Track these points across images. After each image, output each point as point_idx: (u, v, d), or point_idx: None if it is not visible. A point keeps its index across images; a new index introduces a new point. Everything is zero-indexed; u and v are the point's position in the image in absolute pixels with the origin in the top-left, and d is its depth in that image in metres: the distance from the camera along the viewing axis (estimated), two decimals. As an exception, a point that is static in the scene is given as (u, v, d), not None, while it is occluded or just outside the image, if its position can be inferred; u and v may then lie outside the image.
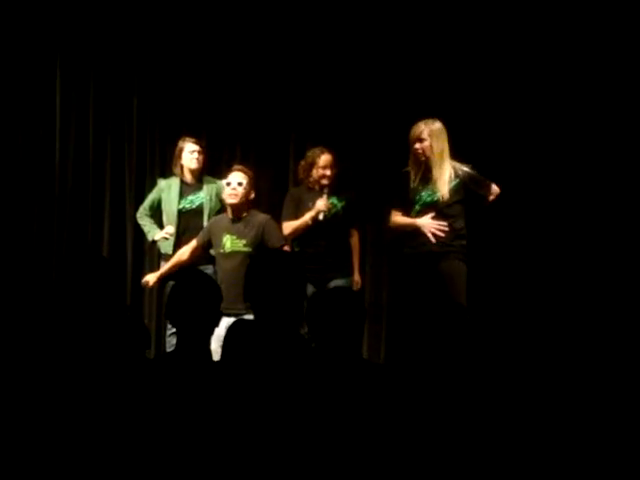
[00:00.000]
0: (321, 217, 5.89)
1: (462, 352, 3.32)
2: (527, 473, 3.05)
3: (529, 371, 4.15)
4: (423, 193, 5.44)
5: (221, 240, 5.72)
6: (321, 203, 5.88)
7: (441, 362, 3.27)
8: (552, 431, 3.23)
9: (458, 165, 5.43)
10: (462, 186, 5.42)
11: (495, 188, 5.51)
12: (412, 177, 5.47)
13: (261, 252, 5.37)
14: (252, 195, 5.83)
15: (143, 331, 3.44)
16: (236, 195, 5.74)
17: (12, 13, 6.79)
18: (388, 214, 5.60)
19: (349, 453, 2.91)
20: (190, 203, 6.22)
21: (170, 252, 6.09)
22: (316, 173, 5.95)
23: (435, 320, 4.53)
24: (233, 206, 5.75)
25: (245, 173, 5.81)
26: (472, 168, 5.47)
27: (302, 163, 6.07)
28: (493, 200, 5.52)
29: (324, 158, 5.97)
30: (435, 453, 2.97)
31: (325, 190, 5.94)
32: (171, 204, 6.22)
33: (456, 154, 5.47)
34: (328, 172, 5.95)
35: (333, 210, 5.97)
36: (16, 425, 3.00)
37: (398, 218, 5.54)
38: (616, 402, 3.61)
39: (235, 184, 5.75)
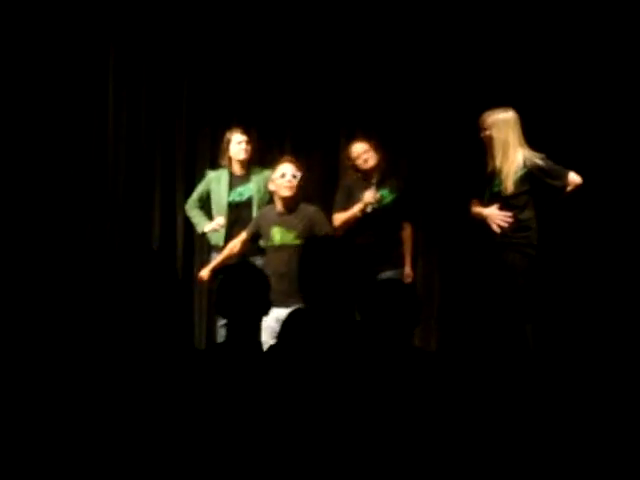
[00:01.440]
0: (369, 209, 5.88)
1: (513, 347, 3.29)
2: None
3: (582, 368, 4.10)
4: (493, 182, 5.38)
5: (270, 232, 5.71)
6: (369, 195, 5.88)
7: (491, 354, 3.24)
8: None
9: (529, 155, 5.30)
10: (529, 177, 5.30)
11: (575, 179, 5.31)
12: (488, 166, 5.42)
13: (313, 240, 5.34)
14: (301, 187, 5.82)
15: (189, 323, 3.45)
16: (292, 187, 5.71)
17: (65, 9, 6.85)
18: (470, 203, 5.51)
19: (399, 440, 2.89)
20: (240, 195, 6.22)
21: (221, 244, 6.11)
22: (357, 163, 5.96)
23: (489, 313, 4.52)
24: (288, 198, 5.72)
25: (297, 164, 5.79)
26: (545, 158, 5.32)
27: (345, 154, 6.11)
28: (572, 191, 5.32)
29: (355, 147, 6.01)
30: (483, 441, 2.94)
31: (373, 182, 5.93)
32: (220, 197, 6.24)
33: (533, 143, 5.35)
34: (363, 160, 5.94)
35: (383, 202, 5.95)
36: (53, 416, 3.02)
37: (474, 207, 5.47)
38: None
39: (290, 176, 5.72)
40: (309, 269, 3.35)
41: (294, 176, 5.72)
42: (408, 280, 5.93)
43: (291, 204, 5.72)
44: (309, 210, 5.75)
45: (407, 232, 6.09)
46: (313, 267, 3.32)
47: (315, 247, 3.45)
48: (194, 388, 3.09)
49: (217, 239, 6.20)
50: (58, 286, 5.90)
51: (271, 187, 5.83)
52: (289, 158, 5.89)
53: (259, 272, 3.58)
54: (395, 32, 6.75)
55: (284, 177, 5.72)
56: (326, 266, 3.29)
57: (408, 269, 6.03)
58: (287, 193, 5.71)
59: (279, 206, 5.76)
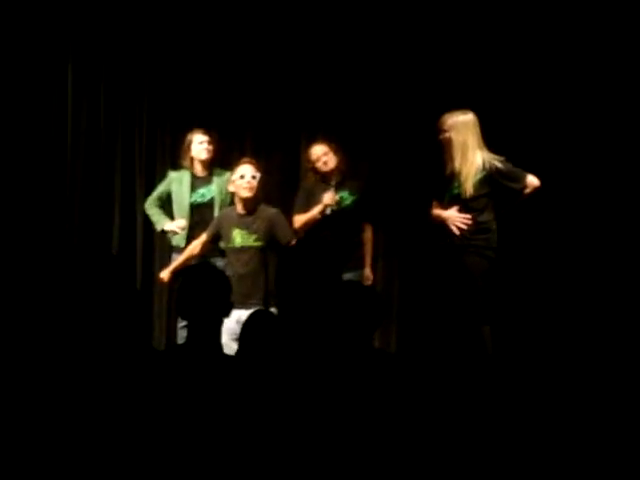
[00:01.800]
0: (329, 211, 5.89)
1: (473, 347, 3.32)
2: (532, 468, 3.04)
3: (543, 370, 4.13)
4: (452, 185, 5.40)
5: (231, 234, 5.71)
6: (328, 197, 5.89)
7: (452, 355, 3.26)
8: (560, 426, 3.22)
9: (488, 157, 5.30)
10: (488, 179, 5.30)
11: (533, 181, 5.32)
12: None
13: (288, 249, 5.34)
14: (260, 189, 5.80)
15: (147, 323, 3.44)
16: (252, 188, 5.71)
17: (23, 12, 6.79)
18: (430, 204, 5.50)
19: (359, 442, 2.90)
20: (202, 197, 6.21)
21: (182, 245, 6.10)
22: (317, 165, 5.97)
23: (447, 315, 4.54)
24: (247, 199, 5.72)
25: (256, 166, 5.80)
26: (504, 161, 5.33)
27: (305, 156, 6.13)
28: (530, 193, 5.34)
29: (315, 149, 6.03)
30: (442, 443, 2.96)
31: (332, 184, 5.95)
32: (182, 197, 6.22)
33: (492, 146, 5.37)
34: (323, 163, 5.96)
35: (342, 204, 5.96)
36: (19, 421, 3.00)
37: (434, 209, 5.48)
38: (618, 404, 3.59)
39: (249, 177, 5.72)
40: (285, 277, 3.36)
41: (253, 177, 5.72)
42: (368, 282, 5.94)
43: (251, 205, 5.72)
44: (269, 212, 5.75)
45: (367, 234, 6.11)
46: (278, 269, 3.34)
47: (280, 250, 3.47)
48: (152, 389, 3.08)
49: (178, 240, 6.19)
50: (16, 287, 5.85)
51: (231, 188, 5.83)
52: (248, 159, 5.90)
53: (220, 273, 3.58)
54: (354, 35, 6.77)
55: (243, 178, 5.72)
56: (288, 269, 3.31)
57: (368, 271, 6.04)
58: (246, 194, 5.71)
59: (239, 208, 5.76)
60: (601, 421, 3.36)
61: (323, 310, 3.25)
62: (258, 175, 5.74)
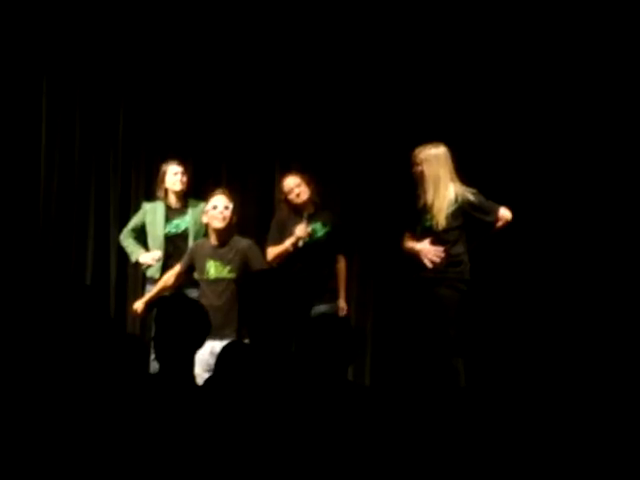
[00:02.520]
0: (301, 243, 5.89)
1: (446, 380, 3.32)
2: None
3: (516, 400, 4.14)
4: (424, 217, 5.41)
5: (205, 266, 5.69)
6: (300, 229, 5.89)
7: (425, 387, 3.26)
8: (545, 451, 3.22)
9: (461, 190, 5.35)
10: (461, 212, 5.34)
11: (505, 214, 5.37)
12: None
13: (249, 274, 5.33)
14: (234, 220, 5.80)
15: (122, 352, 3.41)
16: (224, 218, 5.70)
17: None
18: (402, 236, 5.52)
19: (334, 474, 2.89)
20: (176, 227, 6.21)
21: (157, 276, 6.08)
22: (289, 197, 5.98)
23: (420, 347, 4.54)
24: (220, 230, 5.71)
25: (229, 197, 5.79)
26: (477, 194, 5.37)
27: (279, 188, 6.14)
28: (503, 226, 5.39)
29: (287, 181, 6.03)
30: (419, 475, 2.96)
31: (305, 215, 5.95)
32: (156, 229, 6.21)
33: (466, 178, 5.41)
34: (295, 195, 5.96)
35: (315, 236, 5.96)
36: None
37: (406, 241, 5.50)
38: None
39: (222, 207, 5.72)
40: (246, 302, 3.35)
41: (226, 207, 5.71)
42: (342, 313, 5.93)
43: (224, 236, 5.71)
44: (243, 243, 5.73)
45: (341, 265, 6.09)
46: (249, 301, 3.33)
47: (251, 281, 3.45)
48: (125, 418, 3.06)
49: (152, 272, 6.17)
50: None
51: (204, 219, 5.82)
52: (221, 190, 5.89)
53: (195, 304, 3.57)
54: (329, 66, 6.81)
55: (216, 209, 5.71)
56: (261, 300, 3.30)
57: (342, 302, 6.03)
58: (219, 225, 5.70)
59: (213, 239, 5.75)
60: (578, 457, 3.38)
61: (296, 343, 3.25)
62: (231, 205, 5.74)
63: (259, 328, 3.26)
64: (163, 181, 6.24)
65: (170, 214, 6.22)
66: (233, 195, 5.84)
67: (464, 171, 5.45)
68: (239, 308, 3.44)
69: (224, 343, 3.64)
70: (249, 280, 3.51)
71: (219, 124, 6.97)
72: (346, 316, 5.96)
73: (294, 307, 3.33)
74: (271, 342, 3.22)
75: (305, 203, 6.01)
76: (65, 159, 6.96)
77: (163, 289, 5.85)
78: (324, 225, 6.04)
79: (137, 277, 6.64)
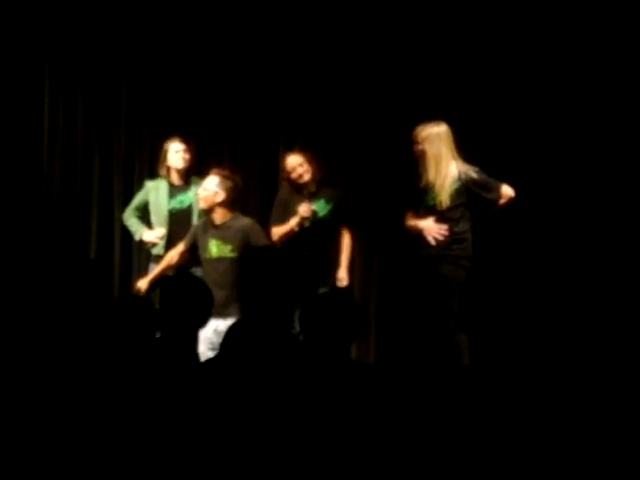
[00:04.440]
0: (307, 224, 5.85)
1: (449, 357, 3.32)
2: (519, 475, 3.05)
3: (525, 376, 4.14)
4: (427, 196, 5.40)
5: (207, 245, 5.69)
6: (303, 209, 5.85)
7: (429, 365, 3.26)
8: (544, 434, 3.22)
9: (463, 168, 5.33)
10: (464, 190, 5.33)
11: (507, 192, 5.36)
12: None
13: (251, 252, 5.33)
14: (221, 198, 5.74)
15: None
16: (205, 199, 5.72)
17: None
18: (405, 215, 5.50)
19: (338, 453, 2.89)
20: (180, 203, 6.20)
21: (161, 253, 6.07)
22: (292, 176, 5.94)
23: (424, 325, 4.53)
24: (205, 211, 5.74)
25: (219, 176, 5.76)
26: (479, 171, 5.36)
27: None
28: (505, 204, 5.38)
29: (290, 159, 5.97)
30: (424, 454, 2.96)
31: (307, 194, 5.91)
32: (160, 205, 6.20)
33: (468, 156, 5.39)
34: (298, 175, 5.91)
35: (318, 216, 5.92)
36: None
37: (409, 220, 5.48)
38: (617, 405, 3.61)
39: (210, 187, 5.72)
40: (248, 281, 3.33)
41: (205, 189, 5.72)
42: (341, 284, 5.88)
43: (217, 216, 5.70)
44: (244, 222, 5.72)
45: (346, 239, 6.03)
46: (252, 279, 3.31)
47: (253, 259, 3.44)
48: (130, 397, 3.07)
49: (158, 249, 6.16)
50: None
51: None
52: (216, 170, 5.86)
53: (200, 282, 3.57)
54: (332, 44, 6.78)
55: (205, 190, 5.73)
56: (265, 278, 3.29)
57: (342, 272, 5.92)
58: (201, 204, 5.75)
59: (214, 218, 5.73)
60: (580, 435, 3.37)
61: (300, 321, 3.24)
62: (214, 185, 5.70)
63: (255, 305, 3.25)
64: (165, 159, 6.23)
65: (173, 191, 6.21)
66: (237, 174, 5.83)
67: (465, 149, 5.43)
68: (237, 282, 3.40)
69: (227, 322, 3.65)
70: (249, 256, 3.50)
71: (222, 103, 6.95)
72: (348, 290, 5.92)
73: (294, 286, 3.33)
74: (270, 321, 3.22)
75: (307, 182, 5.98)
76: (68, 139, 6.94)
77: (167, 268, 5.85)
78: (327, 202, 5.99)
79: (141, 256, 6.63)
